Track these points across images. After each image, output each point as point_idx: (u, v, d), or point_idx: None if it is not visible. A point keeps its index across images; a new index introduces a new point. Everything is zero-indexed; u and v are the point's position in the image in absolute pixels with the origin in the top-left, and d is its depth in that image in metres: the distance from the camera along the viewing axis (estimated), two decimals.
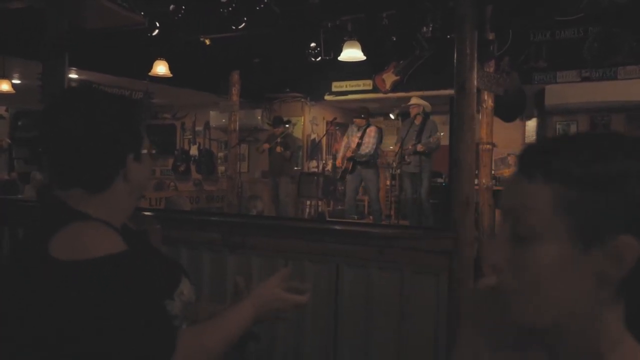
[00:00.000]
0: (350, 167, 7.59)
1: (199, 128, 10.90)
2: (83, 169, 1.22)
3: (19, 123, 11.62)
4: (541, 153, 0.74)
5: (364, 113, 7.79)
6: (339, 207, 9.30)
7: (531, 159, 0.75)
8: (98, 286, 1.10)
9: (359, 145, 7.49)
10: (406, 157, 7.08)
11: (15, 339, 1.16)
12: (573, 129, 7.31)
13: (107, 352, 1.10)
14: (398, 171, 7.50)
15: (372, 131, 7.61)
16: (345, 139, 7.96)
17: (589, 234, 0.69)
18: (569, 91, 6.99)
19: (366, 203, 9.56)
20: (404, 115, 10.88)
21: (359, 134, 7.60)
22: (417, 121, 7.19)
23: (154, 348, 1.13)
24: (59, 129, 1.22)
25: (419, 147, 6.95)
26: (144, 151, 1.30)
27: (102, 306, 1.10)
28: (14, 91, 7.72)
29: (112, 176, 1.24)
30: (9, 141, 11.26)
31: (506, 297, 0.75)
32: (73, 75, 6.84)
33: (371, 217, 8.55)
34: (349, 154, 7.57)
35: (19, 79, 8.05)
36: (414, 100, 7.33)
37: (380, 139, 7.73)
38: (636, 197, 0.67)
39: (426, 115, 7.31)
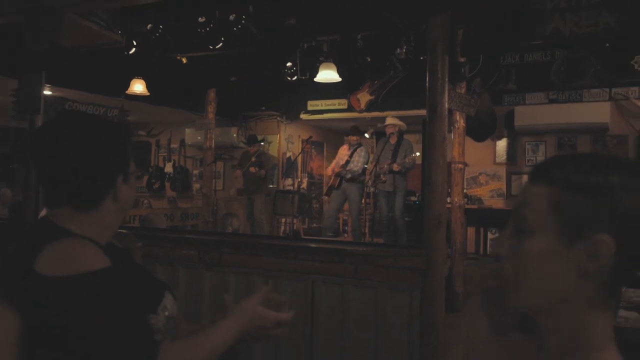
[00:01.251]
0: (337, 184, 7.67)
1: (174, 145, 10.86)
2: (75, 189, 1.26)
3: None
4: (548, 164, 0.87)
5: (356, 132, 7.89)
6: (314, 225, 9.35)
7: (540, 168, 0.88)
8: (82, 302, 1.13)
9: (347, 162, 7.58)
10: (382, 176, 7.18)
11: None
12: (542, 149, 7.50)
13: None
14: (373, 189, 7.60)
15: (362, 151, 7.73)
16: (338, 156, 8.04)
17: (573, 231, 0.81)
18: (537, 112, 7.19)
19: (342, 221, 9.63)
20: (378, 134, 11.05)
21: (349, 152, 7.70)
22: (392, 140, 7.31)
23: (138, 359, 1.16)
24: (53, 150, 1.25)
25: (395, 167, 7.06)
26: (131, 173, 1.34)
27: (86, 321, 1.13)
28: None
29: (103, 196, 1.29)
30: None
31: (505, 283, 0.88)
32: (47, 92, 6.80)
33: (345, 235, 8.61)
34: (337, 170, 7.65)
35: None
36: (389, 120, 7.45)
37: (367, 159, 7.83)
38: (617, 203, 0.79)
39: (401, 135, 7.44)
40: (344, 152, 7.85)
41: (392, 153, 7.22)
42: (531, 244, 0.84)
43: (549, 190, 0.83)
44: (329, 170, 8.08)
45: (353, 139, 7.81)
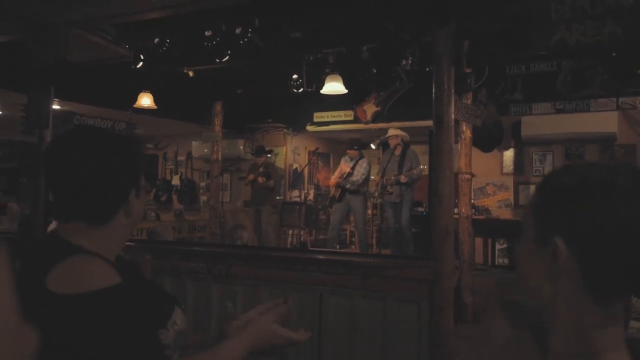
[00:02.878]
0: (338, 195, 7.67)
1: (181, 158, 10.91)
2: (87, 205, 1.27)
3: None
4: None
5: (357, 145, 7.90)
6: (321, 237, 9.34)
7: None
8: (94, 319, 1.14)
9: (349, 174, 7.59)
10: (388, 187, 7.18)
11: None
12: (549, 159, 7.49)
13: None
14: (380, 200, 7.60)
15: (364, 162, 7.74)
16: (338, 169, 8.05)
17: (542, 233, 0.84)
18: (544, 122, 7.18)
19: (348, 232, 9.62)
20: (385, 145, 11.06)
21: (350, 164, 7.72)
22: (397, 152, 7.32)
23: None
24: (67, 164, 1.26)
25: (402, 178, 7.07)
26: (142, 188, 1.35)
27: (98, 339, 1.13)
28: None
29: (115, 211, 1.29)
30: None
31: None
32: (56, 106, 6.86)
33: (352, 246, 8.59)
34: (338, 181, 7.66)
35: None
36: (391, 132, 7.46)
37: (369, 170, 7.84)
38: (566, 206, 0.81)
39: (406, 146, 7.45)
40: (345, 164, 7.87)
41: (397, 164, 7.22)
42: (519, 245, 0.90)
43: (537, 196, 0.88)
44: (331, 181, 8.09)
45: (354, 153, 7.83)
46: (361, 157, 7.83)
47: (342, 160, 7.99)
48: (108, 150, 1.29)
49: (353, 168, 7.66)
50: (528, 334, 0.92)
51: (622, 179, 0.78)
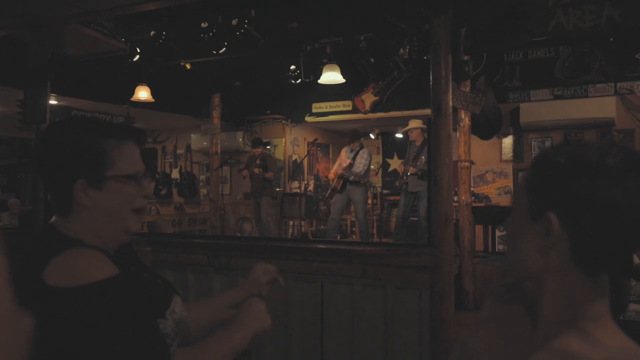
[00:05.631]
0: (339, 186, 7.68)
1: (180, 151, 10.90)
2: (50, 194, 1.29)
3: None
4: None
5: (356, 137, 7.91)
6: (322, 227, 9.36)
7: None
8: (93, 311, 1.14)
9: (350, 165, 7.60)
10: (404, 177, 7.20)
11: None
12: (548, 145, 7.48)
13: None
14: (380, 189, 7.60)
15: (364, 153, 7.73)
16: (338, 160, 8.05)
17: (535, 208, 0.87)
18: (543, 109, 7.17)
19: (349, 222, 9.64)
20: (384, 134, 11.05)
21: (351, 155, 7.72)
22: (418, 143, 7.30)
23: None
24: (38, 156, 1.29)
25: (411, 170, 7.08)
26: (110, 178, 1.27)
27: (98, 330, 1.13)
28: None
29: (67, 203, 1.25)
30: None
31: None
32: (53, 102, 6.86)
33: (353, 236, 8.60)
34: (340, 172, 7.67)
35: None
36: (411, 124, 7.42)
37: (370, 161, 7.85)
38: (559, 183, 0.84)
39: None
40: (345, 155, 7.87)
41: (414, 155, 7.22)
42: (511, 219, 0.94)
43: (529, 171, 0.91)
44: (330, 175, 8.08)
45: (355, 144, 7.83)
46: (361, 147, 7.84)
47: (343, 151, 8.00)
48: (57, 137, 1.28)
49: (354, 159, 7.66)
50: (520, 307, 0.95)
51: (612, 159, 0.82)
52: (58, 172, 1.25)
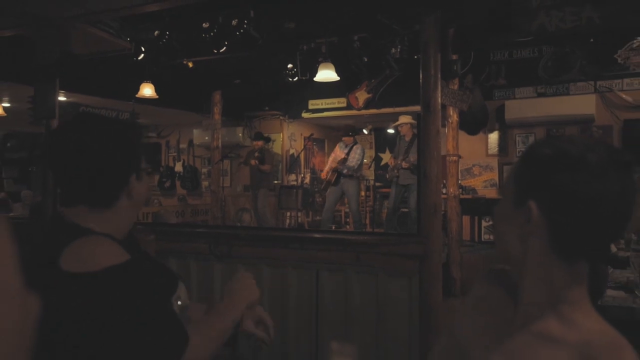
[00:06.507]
0: (333, 180, 7.68)
1: (183, 146, 10.88)
2: (90, 188, 1.26)
3: (8, 144, 11.45)
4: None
5: (351, 131, 7.91)
6: (317, 218, 9.36)
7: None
8: (110, 294, 1.14)
9: (344, 159, 7.60)
10: (395, 170, 7.20)
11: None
12: (531, 140, 7.49)
13: (127, 353, 1.14)
14: (373, 182, 7.58)
15: (358, 148, 7.73)
16: (332, 155, 8.05)
17: (519, 197, 0.88)
18: (527, 106, 7.18)
19: (343, 214, 9.65)
20: (377, 130, 11.04)
21: (345, 150, 7.72)
22: (407, 138, 7.29)
23: (170, 342, 1.18)
24: (69, 150, 1.25)
25: (404, 164, 7.08)
26: (143, 170, 1.34)
27: (117, 311, 1.13)
28: (5, 114, 7.64)
29: (117, 195, 1.28)
30: None
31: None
32: (62, 98, 6.82)
33: (347, 227, 8.61)
34: (334, 165, 7.67)
35: (8, 102, 7.98)
36: (401, 119, 7.40)
37: (363, 155, 7.84)
38: (542, 174, 0.85)
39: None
40: (340, 150, 7.86)
41: (404, 150, 7.21)
42: (498, 206, 0.94)
43: (518, 164, 0.92)
44: (323, 174, 8.07)
45: (348, 139, 7.83)
46: (355, 143, 7.83)
47: (337, 146, 7.99)
48: (107, 135, 1.27)
49: (348, 154, 7.66)
50: (504, 292, 0.96)
51: (594, 155, 0.82)
52: (112, 167, 1.26)
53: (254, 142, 8.56)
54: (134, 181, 1.30)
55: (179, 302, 1.35)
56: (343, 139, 7.91)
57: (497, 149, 7.72)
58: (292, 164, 9.65)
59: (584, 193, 0.81)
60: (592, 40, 6.39)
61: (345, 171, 7.57)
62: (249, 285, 1.44)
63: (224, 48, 5.27)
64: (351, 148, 7.72)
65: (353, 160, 7.60)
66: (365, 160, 8.25)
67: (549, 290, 0.86)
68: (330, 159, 8.01)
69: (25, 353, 0.52)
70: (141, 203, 1.38)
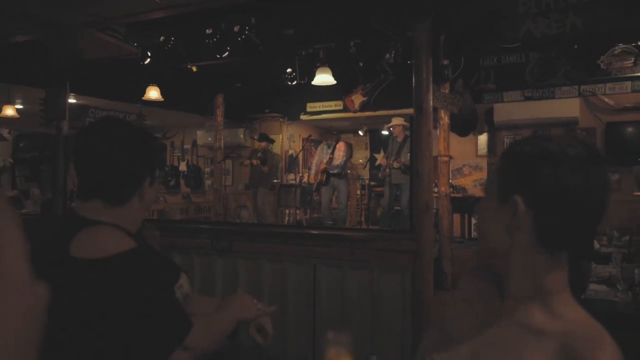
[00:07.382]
0: (324, 179, 7.69)
1: (187, 146, 10.87)
2: (108, 187, 1.30)
3: (21, 144, 11.43)
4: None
5: (332, 132, 7.94)
6: (315, 215, 9.35)
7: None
8: (118, 279, 1.16)
9: (330, 159, 7.60)
10: (387, 170, 7.19)
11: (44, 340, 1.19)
12: None
13: (134, 335, 1.16)
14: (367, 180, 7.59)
15: (341, 146, 7.73)
16: (316, 157, 8.05)
17: (503, 193, 0.88)
18: (514, 109, 7.18)
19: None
20: (372, 131, 11.03)
21: (329, 151, 7.72)
22: (399, 138, 7.28)
23: (175, 325, 1.20)
24: (93, 151, 1.30)
25: (395, 164, 7.07)
26: (156, 178, 1.39)
27: (124, 296, 1.15)
28: (18, 115, 7.62)
29: (131, 195, 1.32)
30: (12, 161, 11.06)
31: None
32: (72, 100, 6.81)
33: (333, 219, 8.63)
34: (322, 167, 7.67)
35: (21, 104, 7.96)
36: (394, 121, 7.39)
37: (350, 154, 7.84)
38: (532, 171, 0.84)
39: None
40: (322, 152, 7.87)
41: (397, 150, 7.21)
42: (482, 201, 0.94)
43: (500, 160, 0.92)
44: (312, 177, 8.07)
45: (331, 140, 7.87)
46: (338, 141, 7.85)
47: (319, 148, 8.01)
48: (130, 141, 1.32)
49: (332, 153, 7.67)
50: (491, 285, 0.95)
51: (573, 150, 0.83)
52: (130, 170, 1.31)
53: (258, 143, 8.56)
54: (147, 185, 1.34)
55: (182, 291, 1.37)
56: (325, 141, 7.96)
57: (486, 149, 7.72)
58: (291, 163, 9.64)
59: (566, 185, 0.82)
60: (576, 47, 6.40)
61: (336, 171, 7.59)
62: (247, 304, 1.45)
63: (226, 53, 5.26)
64: (334, 147, 7.73)
65: (338, 159, 7.61)
66: (360, 161, 8.25)
67: (533, 282, 0.86)
68: (314, 162, 8.02)
69: (35, 340, 0.53)
70: (150, 206, 1.42)
